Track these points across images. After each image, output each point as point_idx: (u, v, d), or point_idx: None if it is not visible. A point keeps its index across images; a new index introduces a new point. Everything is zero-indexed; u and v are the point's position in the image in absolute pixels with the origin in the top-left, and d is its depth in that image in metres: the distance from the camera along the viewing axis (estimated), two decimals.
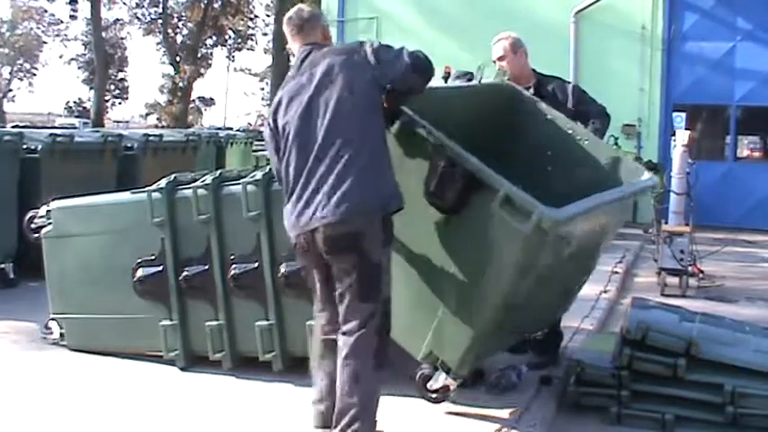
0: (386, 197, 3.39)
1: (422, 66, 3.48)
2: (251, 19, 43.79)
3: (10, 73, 51.08)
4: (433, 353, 3.72)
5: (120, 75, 47.89)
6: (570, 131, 4.42)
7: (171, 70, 41.63)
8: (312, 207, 3.36)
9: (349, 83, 3.40)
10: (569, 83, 4.90)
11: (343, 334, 3.41)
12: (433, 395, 3.86)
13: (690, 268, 7.72)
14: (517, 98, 4.61)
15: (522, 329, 4.28)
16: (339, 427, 3.36)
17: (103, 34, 36.03)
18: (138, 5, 42.69)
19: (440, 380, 3.75)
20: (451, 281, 3.61)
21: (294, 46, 3.67)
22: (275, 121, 3.53)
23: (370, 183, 3.33)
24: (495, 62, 4.81)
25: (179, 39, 42.68)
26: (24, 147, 7.27)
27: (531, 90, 4.70)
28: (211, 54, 44.24)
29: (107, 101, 42.83)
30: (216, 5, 41.19)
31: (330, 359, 3.52)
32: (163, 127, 35.16)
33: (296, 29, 3.67)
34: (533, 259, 3.45)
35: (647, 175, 4.32)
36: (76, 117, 44.08)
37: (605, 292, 7.16)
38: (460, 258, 3.58)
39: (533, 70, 4.83)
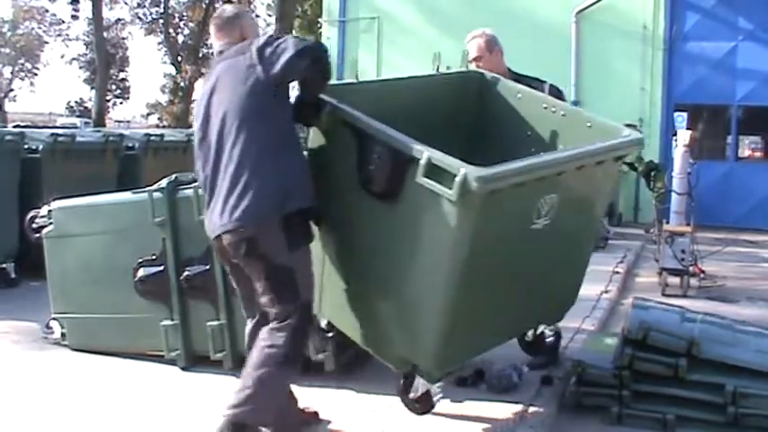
0: (280, 199, 3.32)
1: (308, 51, 3.31)
2: None
3: (11, 73, 51.11)
4: (405, 358, 3.46)
5: (122, 75, 47.89)
6: (545, 106, 4.15)
7: (172, 70, 41.63)
8: (214, 215, 3.41)
9: (233, 88, 3.37)
10: (546, 82, 4.75)
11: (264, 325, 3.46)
12: (417, 405, 3.71)
13: (691, 268, 7.71)
14: (484, 82, 4.40)
15: (505, 324, 3.83)
16: (228, 405, 3.36)
17: (105, 34, 36.03)
18: (139, 5, 42.69)
19: (419, 387, 3.58)
20: (402, 275, 3.29)
21: (216, 45, 3.66)
22: None
23: (259, 187, 3.29)
24: (470, 62, 4.67)
25: (180, 39, 42.67)
26: (26, 147, 7.27)
27: None
28: (213, 54, 44.24)
29: (108, 101, 42.82)
30: (217, 5, 41.18)
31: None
32: (164, 127, 35.19)
33: (215, 28, 3.69)
34: (473, 231, 3.07)
35: (626, 132, 3.85)
36: (78, 117, 44.07)
37: (606, 292, 7.15)
38: (404, 247, 3.26)
39: (509, 69, 4.72)
